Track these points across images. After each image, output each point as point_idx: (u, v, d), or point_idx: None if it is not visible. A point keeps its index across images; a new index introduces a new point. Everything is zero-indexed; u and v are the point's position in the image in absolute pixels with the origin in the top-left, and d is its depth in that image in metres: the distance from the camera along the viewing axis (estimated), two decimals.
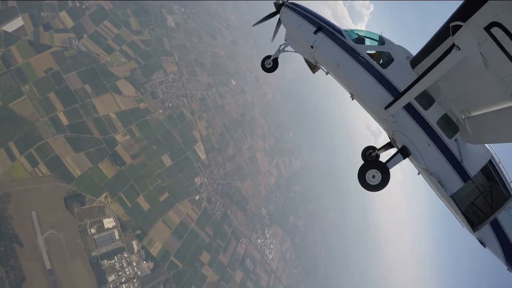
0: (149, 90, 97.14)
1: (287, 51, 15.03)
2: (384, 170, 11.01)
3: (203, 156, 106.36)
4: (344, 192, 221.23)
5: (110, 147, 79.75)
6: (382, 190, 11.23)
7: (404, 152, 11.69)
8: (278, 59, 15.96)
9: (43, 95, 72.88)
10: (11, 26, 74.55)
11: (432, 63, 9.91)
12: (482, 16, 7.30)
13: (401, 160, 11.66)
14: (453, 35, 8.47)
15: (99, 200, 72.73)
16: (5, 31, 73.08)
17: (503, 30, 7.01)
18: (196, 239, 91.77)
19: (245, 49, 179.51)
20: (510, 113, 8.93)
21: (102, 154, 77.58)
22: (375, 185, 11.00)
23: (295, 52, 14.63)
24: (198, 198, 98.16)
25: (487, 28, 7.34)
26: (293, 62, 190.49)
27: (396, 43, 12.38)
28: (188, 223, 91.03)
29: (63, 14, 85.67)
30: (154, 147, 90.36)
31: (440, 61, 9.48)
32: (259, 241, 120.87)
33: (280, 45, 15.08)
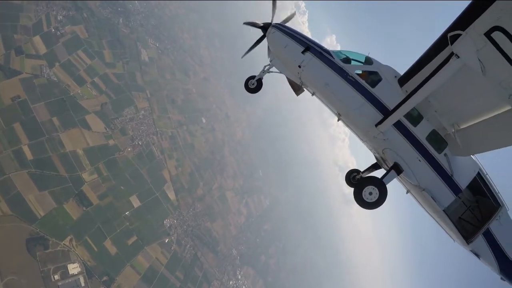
0: (118, 126, 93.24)
1: (271, 71, 15.21)
2: (381, 185, 11.09)
3: (172, 196, 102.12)
4: (315, 227, 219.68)
5: (76, 186, 74.87)
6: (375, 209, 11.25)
7: (397, 169, 11.89)
8: (263, 80, 15.95)
9: (8, 125, 68.18)
10: None
11: (425, 77, 10.28)
12: (484, 21, 7.90)
13: (395, 176, 11.89)
14: (451, 44, 9.03)
15: (64, 244, 67.25)
16: None
17: (504, 33, 7.70)
18: (166, 284, 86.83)
19: (217, 87, 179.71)
20: (502, 119, 9.55)
21: (68, 194, 72.52)
22: (373, 202, 11.03)
23: (280, 72, 14.66)
24: (168, 240, 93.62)
25: (487, 34, 8.02)
26: (262, 101, 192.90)
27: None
28: (157, 267, 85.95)
29: (37, 39, 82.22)
30: (122, 187, 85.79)
31: (437, 72, 9.85)
32: (230, 282, 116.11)
33: (265, 66, 15.32)
